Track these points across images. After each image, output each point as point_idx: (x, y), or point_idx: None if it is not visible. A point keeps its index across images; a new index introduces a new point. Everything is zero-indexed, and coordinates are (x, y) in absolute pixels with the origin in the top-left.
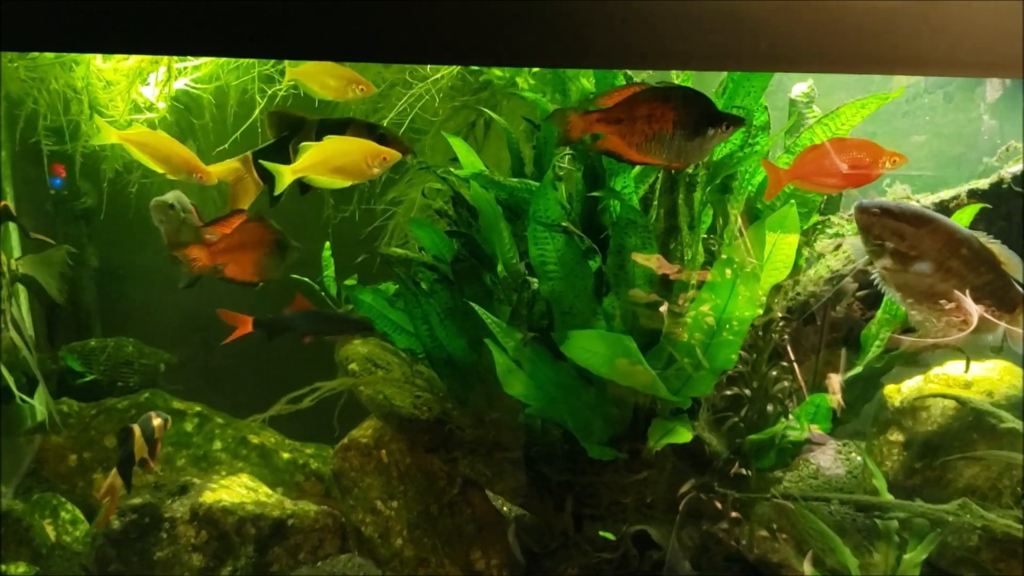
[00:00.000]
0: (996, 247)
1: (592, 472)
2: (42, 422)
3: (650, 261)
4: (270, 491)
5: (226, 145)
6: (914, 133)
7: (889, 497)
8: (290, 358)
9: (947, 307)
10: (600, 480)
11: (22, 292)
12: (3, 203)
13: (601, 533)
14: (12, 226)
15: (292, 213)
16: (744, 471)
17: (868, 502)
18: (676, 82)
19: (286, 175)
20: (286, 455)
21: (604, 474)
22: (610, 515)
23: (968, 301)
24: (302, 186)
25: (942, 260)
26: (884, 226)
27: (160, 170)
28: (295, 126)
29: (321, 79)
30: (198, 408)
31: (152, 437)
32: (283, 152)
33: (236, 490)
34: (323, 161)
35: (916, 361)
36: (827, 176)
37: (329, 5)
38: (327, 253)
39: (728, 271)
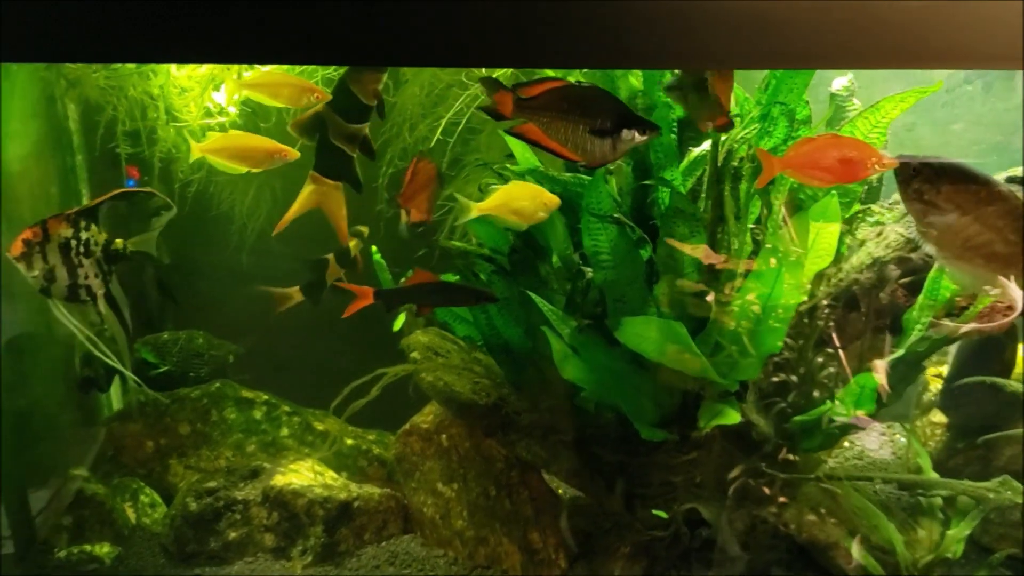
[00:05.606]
0: None
1: (643, 453)
2: (121, 410)
3: (696, 251)
4: (335, 475)
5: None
6: (954, 122)
7: (933, 475)
8: (352, 348)
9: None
10: (651, 461)
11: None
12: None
13: (653, 512)
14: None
15: (350, 206)
16: (792, 456)
17: (911, 480)
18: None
19: (472, 210)
20: (350, 441)
21: (655, 455)
22: (661, 495)
23: (1014, 287)
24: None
25: (997, 222)
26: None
27: (243, 167)
28: (320, 126)
29: (273, 89)
30: (265, 397)
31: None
32: (331, 148)
33: (304, 474)
34: (504, 204)
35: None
36: (817, 169)
37: (382, 13)
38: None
39: (773, 260)
